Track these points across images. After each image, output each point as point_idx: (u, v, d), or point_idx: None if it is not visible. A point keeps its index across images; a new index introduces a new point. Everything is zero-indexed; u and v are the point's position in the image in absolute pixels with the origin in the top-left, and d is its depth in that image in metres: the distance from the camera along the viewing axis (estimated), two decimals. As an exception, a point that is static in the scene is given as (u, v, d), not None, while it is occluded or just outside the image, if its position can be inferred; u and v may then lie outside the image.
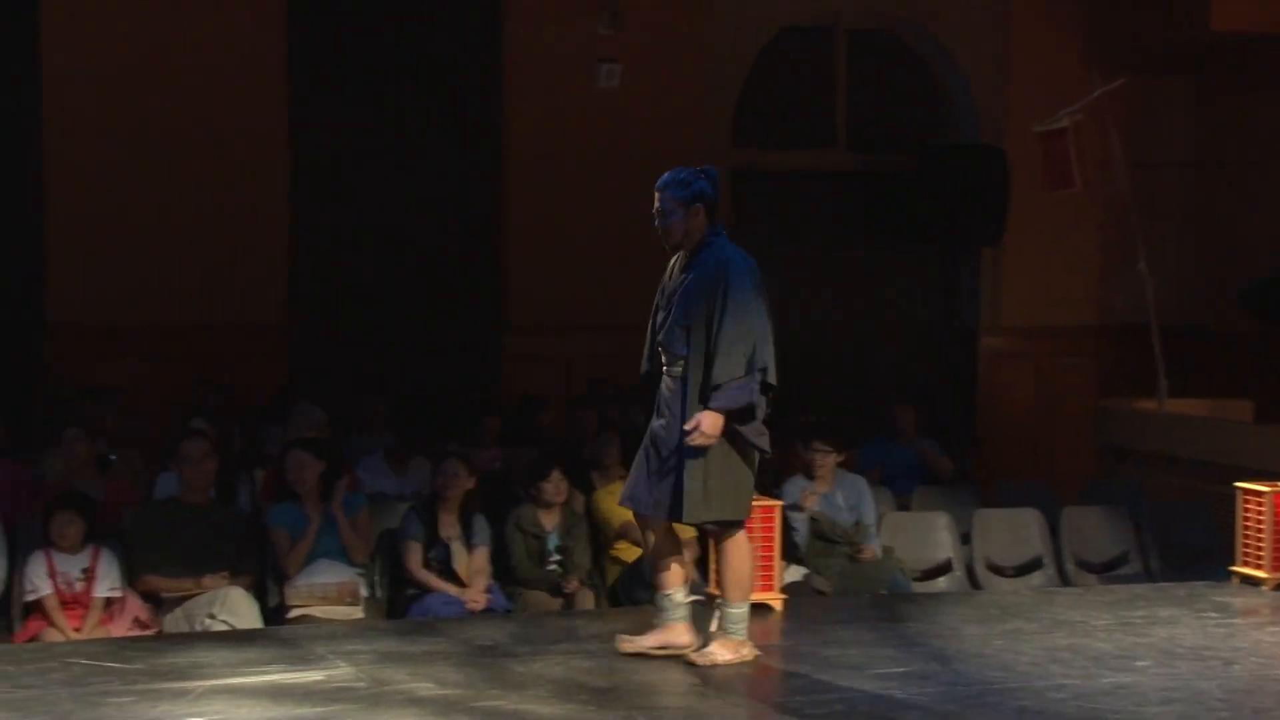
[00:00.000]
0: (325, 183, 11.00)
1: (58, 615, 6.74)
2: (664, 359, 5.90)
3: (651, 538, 5.96)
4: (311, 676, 5.67)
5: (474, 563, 7.51)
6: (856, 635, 6.48)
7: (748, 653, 5.93)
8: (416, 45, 11.18)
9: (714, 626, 5.96)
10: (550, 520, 7.79)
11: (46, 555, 6.85)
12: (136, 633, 6.81)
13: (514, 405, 10.19)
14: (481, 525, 7.60)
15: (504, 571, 7.69)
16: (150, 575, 7.10)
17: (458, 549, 7.50)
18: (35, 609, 6.81)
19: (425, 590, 7.39)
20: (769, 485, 8.23)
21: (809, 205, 12.32)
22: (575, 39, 11.28)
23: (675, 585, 5.96)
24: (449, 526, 7.54)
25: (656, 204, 5.90)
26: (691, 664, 5.84)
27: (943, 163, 11.86)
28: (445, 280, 11.36)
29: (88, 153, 10.31)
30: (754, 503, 6.12)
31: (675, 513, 5.82)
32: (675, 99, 11.40)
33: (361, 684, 5.61)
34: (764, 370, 5.72)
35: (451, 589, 7.39)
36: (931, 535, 8.66)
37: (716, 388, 5.69)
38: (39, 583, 6.81)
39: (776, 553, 7.02)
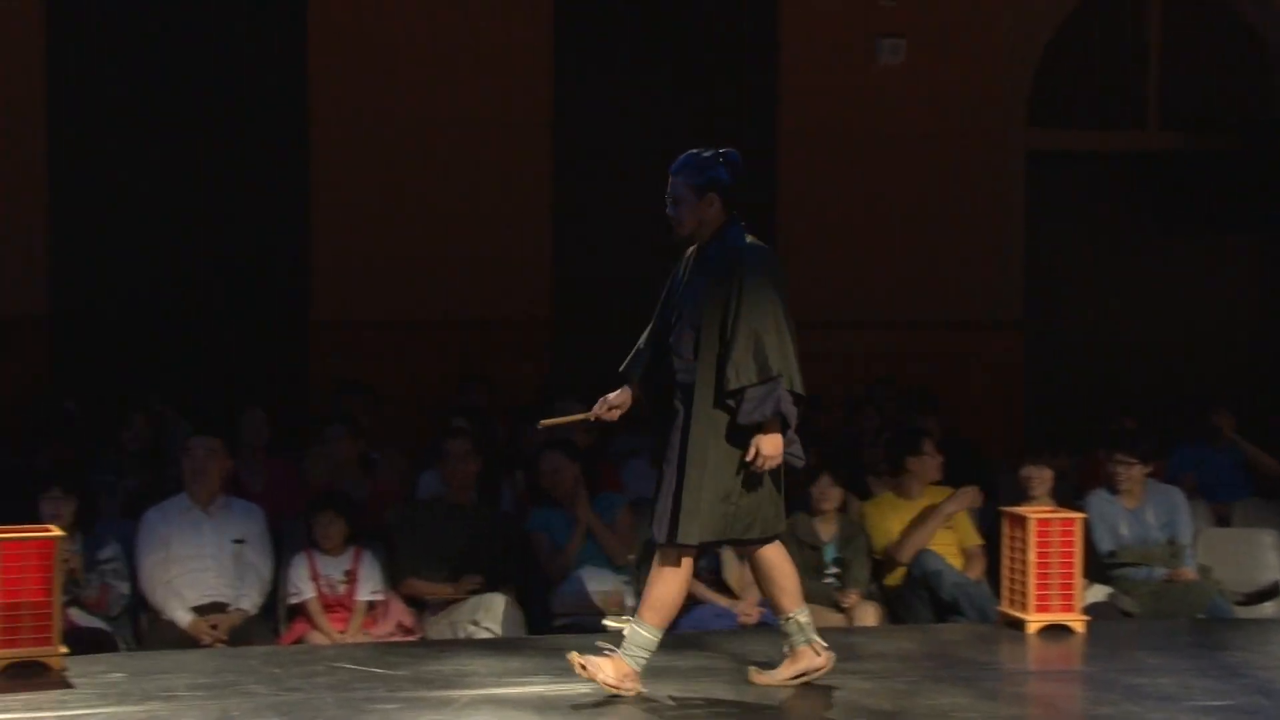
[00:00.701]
0: (585, 171, 11.17)
1: (321, 618, 7.04)
2: (673, 362, 5.68)
3: (752, 561, 5.82)
4: (578, 689, 5.77)
5: (746, 574, 7.55)
6: (1169, 663, 6.30)
7: (630, 688, 5.61)
8: (696, 19, 11.26)
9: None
10: (827, 530, 7.78)
11: (309, 557, 7.15)
12: (400, 637, 7.06)
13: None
14: (754, 534, 7.63)
15: (779, 583, 7.70)
16: (413, 579, 7.34)
17: (728, 558, 7.55)
18: (299, 612, 7.13)
19: (695, 601, 7.47)
20: (1070, 497, 8.07)
21: (1114, 189, 12.01)
22: (855, 12, 11.22)
23: (794, 607, 5.79)
24: (719, 535, 7.59)
25: (668, 189, 5.69)
26: (753, 682, 5.82)
27: (1271, 141, 11.42)
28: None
29: (352, 150, 10.67)
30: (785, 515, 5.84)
31: (658, 530, 5.59)
32: (964, 75, 11.23)
33: (629, 697, 5.70)
34: (778, 377, 5.44)
35: (723, 600, 7.46)
36: (1256, 554, 8.35)
37: (732, 395, 5.48)
38: (302, 585, 7.11)
39: (1077, 570, 6.87)
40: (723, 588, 7.52)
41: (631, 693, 5.61)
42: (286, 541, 7.43)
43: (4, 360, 10.06)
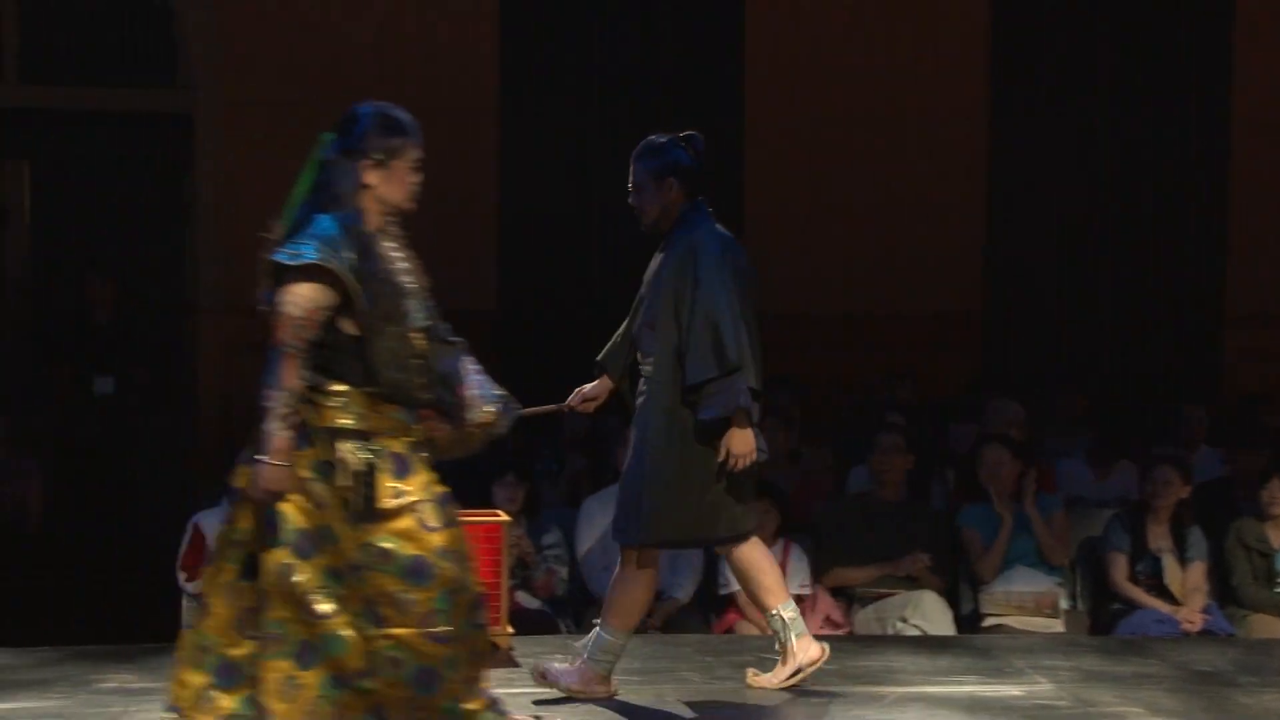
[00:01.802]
0: (1022, 160, 10.98)
1: (750, 610, 7.16)
2: (639, 356, 5.53)
3: (729, 560, 5.69)
4: (1009, 690, 5.72)
5: (1189, 579, 7.32)
6: None
7: (601, 691, 5.52)
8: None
9: (582, 646, 5.63)
10: (1279, 536, 7.47)
11: (741, 548, 7.29)
12: (828, 631, 7.12)
13: (1234, 405, 9.80)
14: (1197, 538, 7.40)
15: (1225, 591, 7.44)
16: (839, 568, 7.40)
17: (1169, 563, 7.34)
18: (729, 603, 7.28)
19: (1133, 606, 7.29)
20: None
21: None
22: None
23: (777, 603, 5.60)
24: (1159, 538, 7.40)
25: (630, 177, 5.51)
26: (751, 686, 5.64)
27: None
28: (1157, 264, 11.07)
29: (785, 141, 10.78)
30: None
31: (665, 533, 5.44)
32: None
33: (1063, 702, 5.61)
34: (738, 370, 5.25)
35: (1164, 606, 7.25)
36: None
37: (692, 389, 5.30)
38: (731, 577, 7.26)
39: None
40: (1163, 592, 7.31)
41: (603, 695, 5.51)
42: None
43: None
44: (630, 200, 5.52)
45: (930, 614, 7.10)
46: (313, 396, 4.31)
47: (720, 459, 5.32)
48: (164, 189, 10.50)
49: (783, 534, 7.29)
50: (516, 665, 6.05)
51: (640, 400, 5.48)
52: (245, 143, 10.28)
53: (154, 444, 9.95)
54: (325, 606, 4.22)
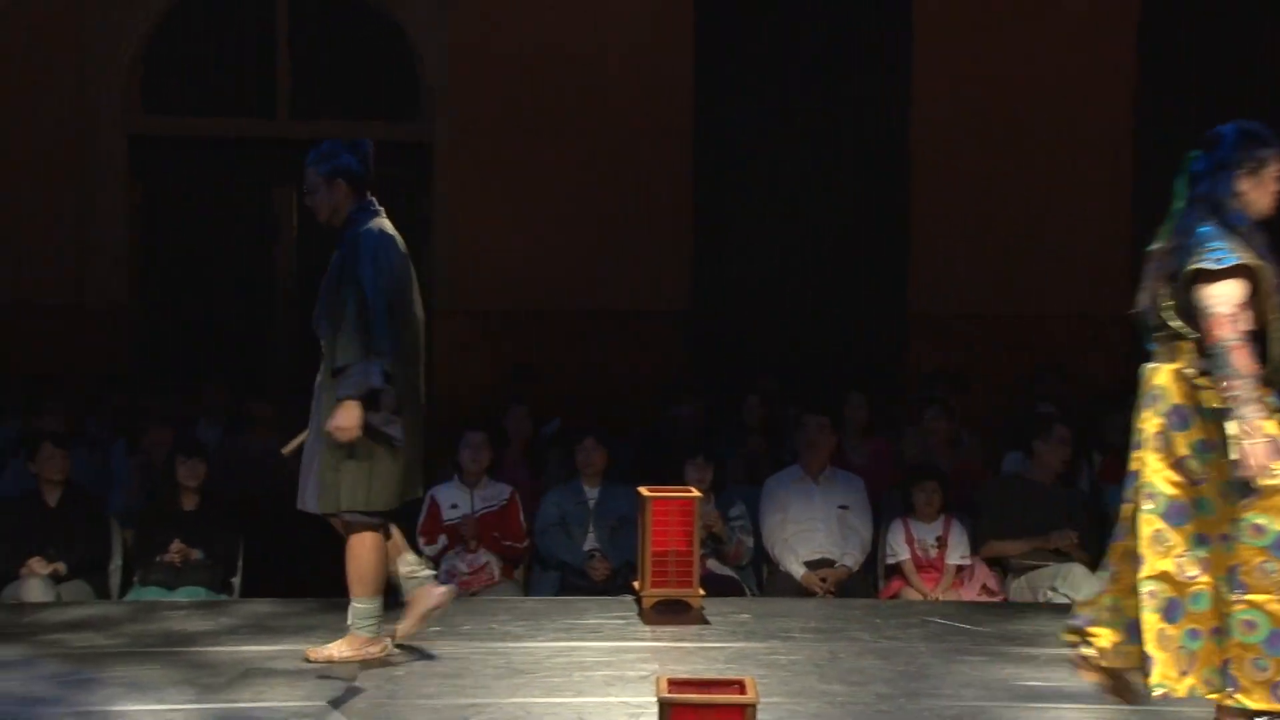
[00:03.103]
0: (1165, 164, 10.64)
1: (915, 577, 7.08)
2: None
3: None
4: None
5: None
6: None
7: (376, 650, 5.34)
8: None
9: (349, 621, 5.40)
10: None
11: (904, 523, 7.21)
12: (985, 598, 7.00)
13: None
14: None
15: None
16: (995, 541, 7.26)
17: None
18: (895, 571, 7.19)
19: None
20: None
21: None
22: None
23: (364, 593, 5.36)
24: None
25: (304, 180, 5.39)
26: (308, 660, 5.32)
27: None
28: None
29: (948, 150, 10.58)
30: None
31: (311, 502, 5.31)
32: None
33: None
34: (376, 356, 5.09)
35: None
36: None
37: (338, 372, 5.15)
38: (898, 548, 7.18)
39: None
40: None
41: (380, 654, 5.35)
42: (884, 509, 7.51)
43: (646, 349, 10.59)
44: (305, 200, 5.48)
45: (1078, 584, 6.92)
46: (1200, 381, 4.29)
47: (327, 427, 5.18)
48: (406, 208, 10.69)
49: (945, 510, 7.18)
50: (707, 623, 6.05)
51: (318, 381, 5.39)
52: (473, 167, 10.45)
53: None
54: (1193, 570, 4.27)
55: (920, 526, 7.18)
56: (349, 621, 5.41)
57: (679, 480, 6.90)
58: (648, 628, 5.99)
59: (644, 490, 6.38)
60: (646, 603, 6.25)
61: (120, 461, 8.43)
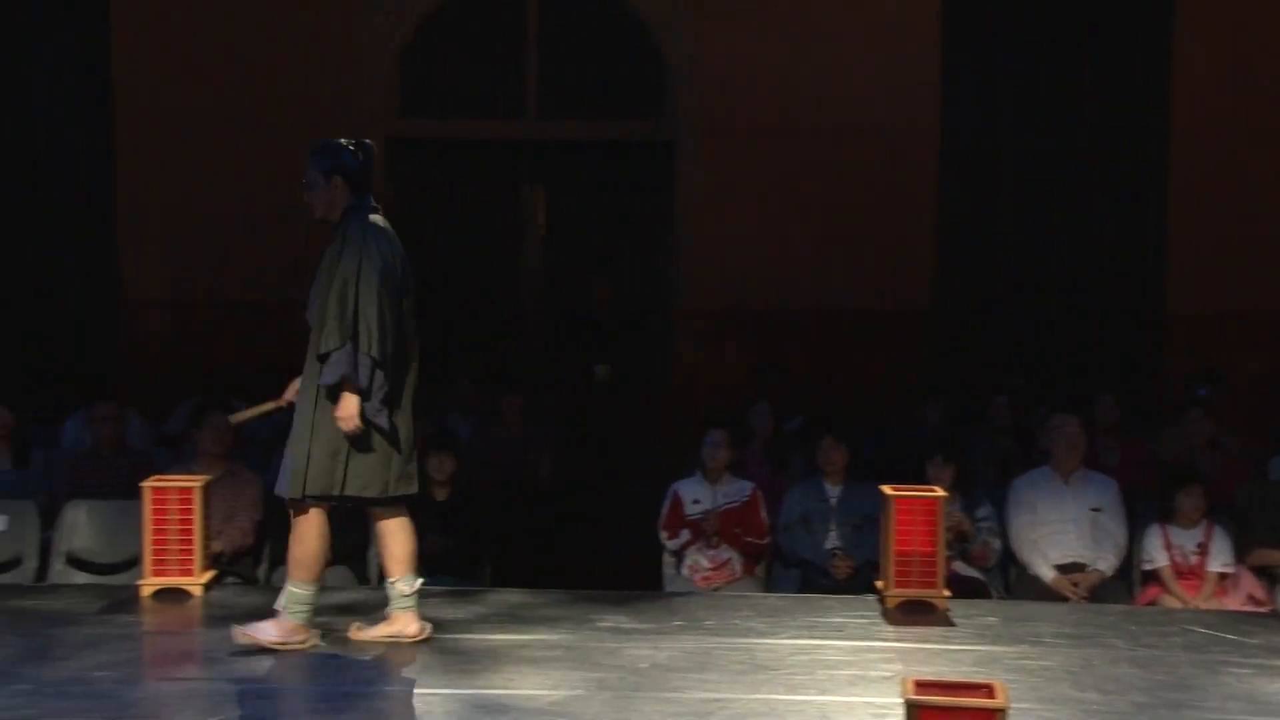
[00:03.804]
0: None
1: (1174, 584, 6.80)
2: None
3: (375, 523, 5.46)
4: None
5: None
6: None
7: (299, 639, 5.30)
8: None
9: (278, 603, 5.41)
10: None
11: (1162, 529, 6.93)
12: (1250, 608, 6.68)
13: None
14: None
15: None
16: (1261, 549, 6.93)
17: None
18: (1152, 577, 6.92)
19: None
20: None
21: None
22: None
23: (399, 574, 5.43)
24: None
25: (305, 175, 5.39)
26: (236, 638, 5.27)
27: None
28: None
29: (1209, 150, 10.19)
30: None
31: (282, 486, 5.31)
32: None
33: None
34: (356, 339, 5.13)
35: None
36: None
37: (322, 358, 5.19)
38: (1155, 554, 6.90)
39: None
40: None
41: (305, 645, 5.31)
42: (1140, 513, 7.24)
43: (888, 347, 10.46)
44: (303, 195, 5.46)
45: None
46: None
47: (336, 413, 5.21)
48: (650, 206, 10.81)
49: (1206, 515, 6.88)
50: (953, 625, 5.92)
51: (304, 369, 5.40)
52: (716, 166, 10.47)
53: (641, 422, 10.24)
54: None
55: (1179, 532, 6.89)
56: (281, 604, 5.44)
57: (921, 480, 6.78)
58: (891, 628, 5.89)
59: (887, 489, 6.29)
60: (890, 602, 6.15)
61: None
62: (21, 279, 10.48)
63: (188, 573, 6.16)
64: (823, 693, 4.99)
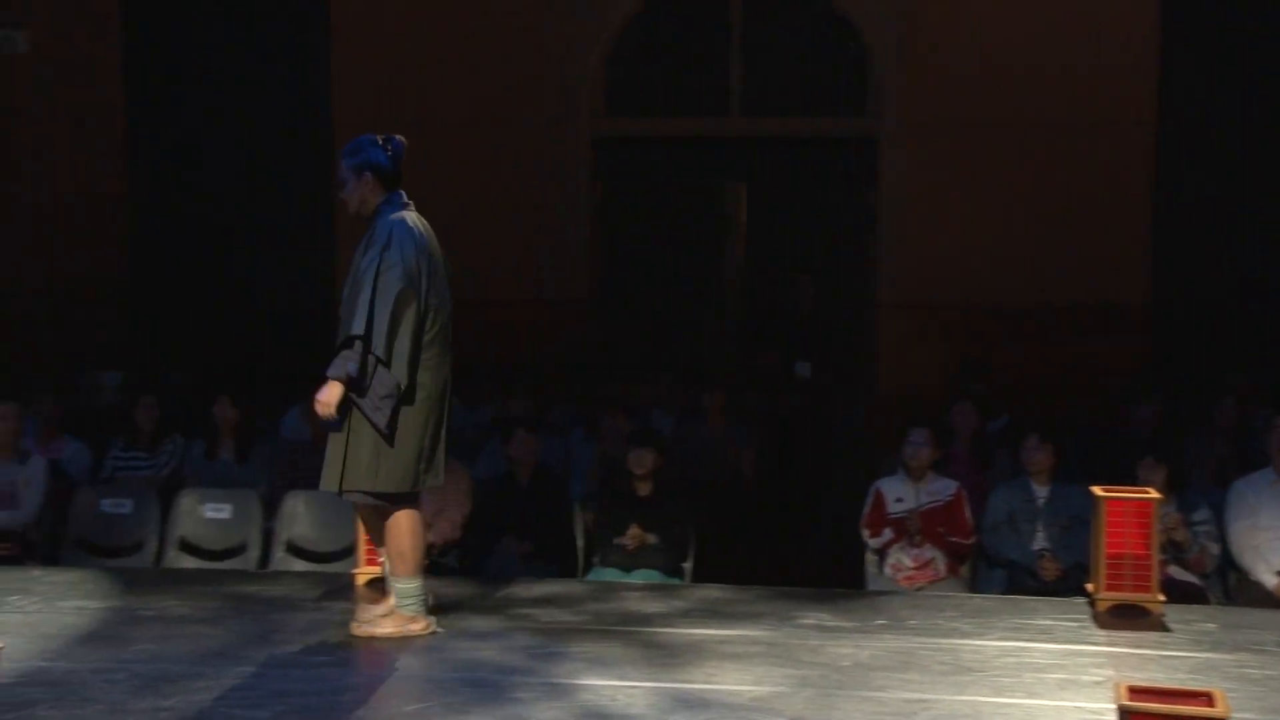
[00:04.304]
0: None
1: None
2: None
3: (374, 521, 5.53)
4: None
5: None
6: None
7: (418, 629, 5.45)
8: None
9: (391, 601, 5.50)
10: None
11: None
12: None
13: None
14: None
15: None
16: None
17: None
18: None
19: None
20: None
21: None
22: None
23: (404, 572, 5.47)
24: None
25: (336, 173, 5.45)
26: (353, 637, 5.40)
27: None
28: None
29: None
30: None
31: (324, 480, 5.41)
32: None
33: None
34: (360, 338, 5.17)
35: None
36: None
37: (337, 351, 5.28)
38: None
39: None
40: None
41: (426, 631, 5.46)
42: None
43: (1100, 345, 10.20)
44: (336, 193, 5.49)
45: None
46: None
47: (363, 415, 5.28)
48: (852, 202, 10.73)
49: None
50: (1168, 630, 5.74)
51: None
52: (922, 159, 10.34)
53: (843, 420, 10.17)
54: None
55: None
56: (392, 600, 5.50)
57: (1130, 482, 6.58)
58: (1102, 632, 5.74)
59: (1098, 490, 6.12)
60: (1101, 606, 5.99)
61: (580, 447, 8.82)
62: (245, 281, 10.90)
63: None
64: (1031, 696, 4.89)
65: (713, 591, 6.42)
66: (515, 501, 7.35)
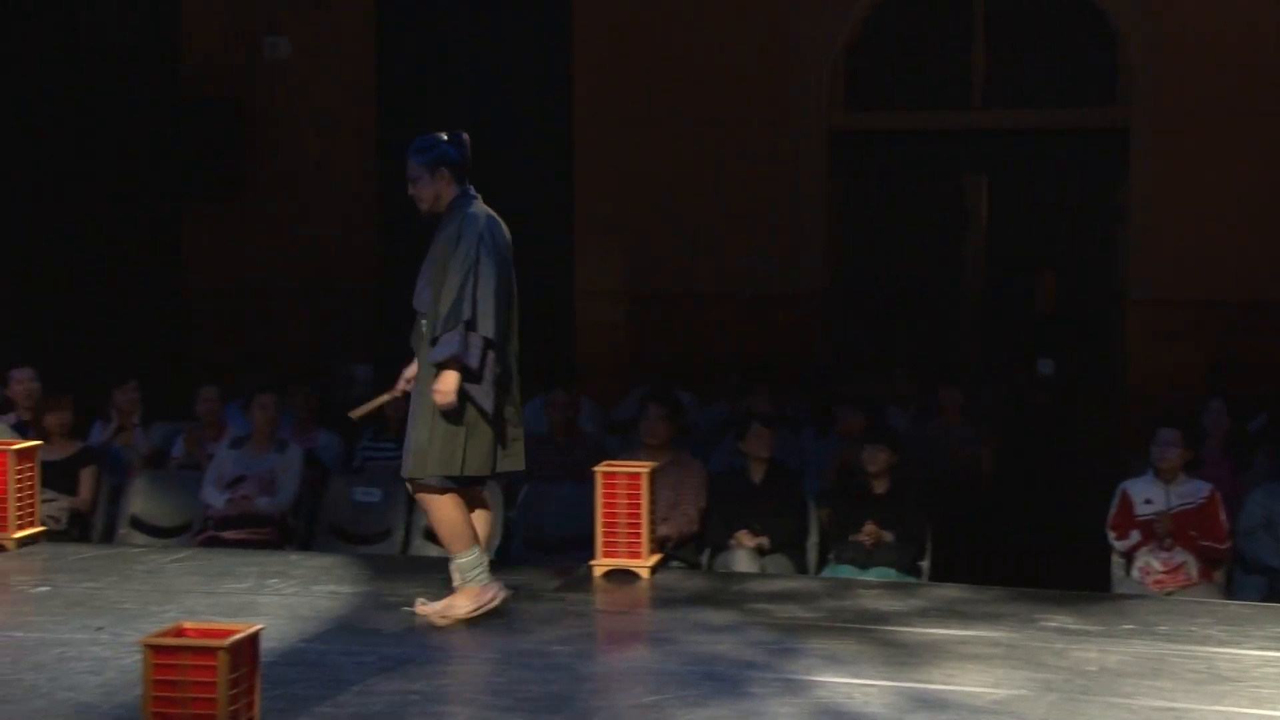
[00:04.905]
0: None
1: None
2: (419, 319, 5.53)
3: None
4: None
5: None
6: None
7: (490, 597, 5.50)
8: None
9: (456, 582, 5.52)
10: None
11: None
12: None
13: None
14: None
15: None
16: None
17: None
18: None
19: None
20: None
21: None
22: None
23: (462, 548, 5.49)
24: None
25: (407, 172, 5.53)
26: (433, 623, 5.41)
27: None
28: None
29: None
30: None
31: (405, 467, 5.49)
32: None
33: None
34: (469, 323, 5.28)
35: None
36: None
37: (434, 342, 5.34)
38: None
39: None
40: None
41: (500, 598, 5.52)
42: None
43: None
44: (409, 191, 5.55)
45: None
46: None
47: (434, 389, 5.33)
48: (1098, 194, 10.40)
49: None
50: None
51: (421, 359, 5.52)
52: (1174, 151, 9.96)
53: (1088, 419, 9.86)
54: None
55: None
56: (456, 582, 5.52)
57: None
58: (1370, 643, 5.41)
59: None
60: (1368, 616, 5.66)
61: (813, 444, 8.75)
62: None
63: (635, 555, 6.33)
64: (1291, 709, 4.65)
65: (951, 591, 6.29)
66: (749, 497, 7.33)
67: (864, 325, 10.74)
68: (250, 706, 4.01)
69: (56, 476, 7.49)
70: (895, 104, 10.65)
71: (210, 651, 3.87)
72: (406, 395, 5.69)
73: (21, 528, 6.77)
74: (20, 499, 6.76)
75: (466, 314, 5.33)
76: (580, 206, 10.98)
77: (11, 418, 8.03)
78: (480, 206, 5.58)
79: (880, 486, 7.24)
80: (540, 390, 8.47)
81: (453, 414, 5.37)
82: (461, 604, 5.49)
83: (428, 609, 5.53)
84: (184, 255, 11.58)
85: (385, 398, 5.92)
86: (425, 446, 5.42)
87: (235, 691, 3.91)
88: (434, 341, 5.39)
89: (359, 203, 11.34)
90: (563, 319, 11.08)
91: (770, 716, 4.57)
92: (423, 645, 5.29)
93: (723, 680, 4.91)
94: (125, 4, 11.21)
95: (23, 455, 6.81)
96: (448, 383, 5.33)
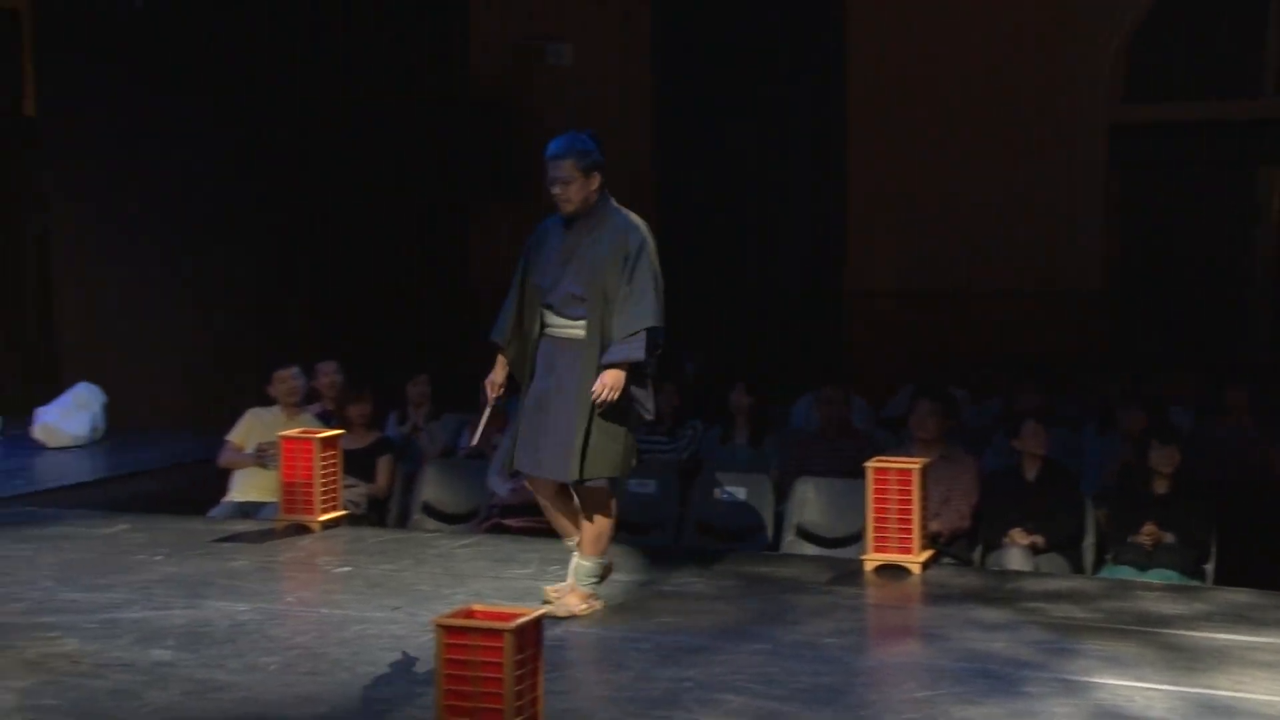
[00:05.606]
0: None
1: None
2: (551, 320, 5.54)
3: (548, 501, 5.66)
4: None
5: None
6: None
7: (592, 608, 5.56)
8: None
9: (570, 580, 5.60)
10: None
11: None
12: None
13: None
14: None
15: None
16: None
17: None
18: None
19: None
20: None
21: None
22: None
23: (593, 553, 5.58)
24: None
25: (554, 172, 5.47)
26: (554, 616, 5.35)
27: None
28: None
29: None
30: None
31: (559, 470, 5.45)
32: None
33: None
34: (653, 329, 5.35)
35: None
36: None
37: (611, 343, 5.36)
38: None
39: None
40: None
41: (598, 606, 5.57)
42: None
43: None
44: (555, 190, 5.48)
45: None
46: None
47: (597, 387, 5.33)
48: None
49: None
50: None
51: (567, 359, 5.46)
52: None
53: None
54: None
55: None
56: (571, 580, 5.59)
57: None
58: None
59: None
60: None
61: (1092, 442, 8.47)
62: (762, 271, 11.16)
63: (906, 550, 6.28)
64: None
65: (1238, 595, 6.02)
66: (1022, 494, 7.16)
67: (1144, 322, 10.37)
68: (534, 687, 4.13)
69: (356, 464, 7.83)
70: (1179, 95, 10.24)
71: (498, 633, 4.00)
72: (497, 401, 5.81)
73: (325, 511, 7.13)
74: (325, 484, 7.12)
75: (650, 320, 5.40)
76: (853, 205, 10.91)
77: (316, 408, 8.42)
78: (623, 208, 5.64)
79: (1162, 487, 6.98)
80: (811, 387, 8.44)
81: (618, 415, 5.43)
82: (573, 602, 5.57)
83: (559, 598, 5.59)
84: (470, 256, 11.98)
85: (487, 412, 6.00)
86: (597, 447, 5.43)
87: (520, 672, 4.03)
88: (591, 343, 5.40)
89: (633, 206, 11.51)
90: (834, 316, 11.02)
91: (1047, 716, 4.47)
92: (697, 633, 5.35)
93: (998, 678, 4.81)
94: (417, 20, 11.65)
95: (327, 444, 7.17)
96: (619, 380, 5.38)
